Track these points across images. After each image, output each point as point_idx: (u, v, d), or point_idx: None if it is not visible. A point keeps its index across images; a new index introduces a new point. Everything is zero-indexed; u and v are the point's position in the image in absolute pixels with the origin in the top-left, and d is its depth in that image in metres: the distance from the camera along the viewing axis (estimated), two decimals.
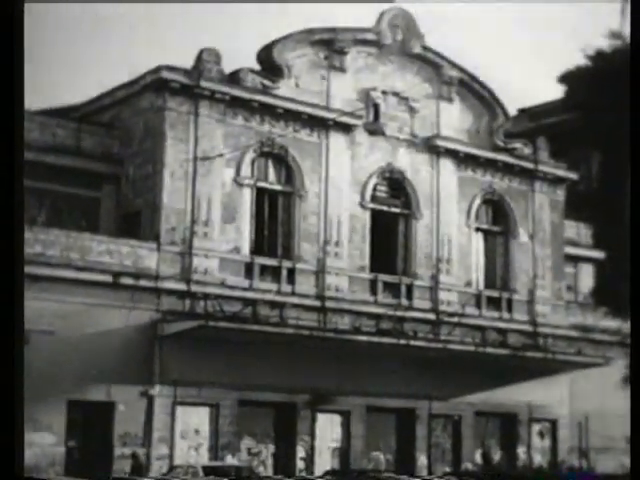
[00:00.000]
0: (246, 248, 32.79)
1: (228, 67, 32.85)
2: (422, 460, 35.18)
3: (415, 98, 37.12)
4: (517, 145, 39.70)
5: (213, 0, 46.73)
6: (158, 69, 31.33)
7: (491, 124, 39.20)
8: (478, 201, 38.46)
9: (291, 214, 33.99)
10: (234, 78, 32.89)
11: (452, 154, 37.68)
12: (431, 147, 37.24)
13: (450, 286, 37.00)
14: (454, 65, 38.24)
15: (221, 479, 25.90)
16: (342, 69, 35.44)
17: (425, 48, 37.58)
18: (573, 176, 40.96)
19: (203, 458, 30.67)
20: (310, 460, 32.79)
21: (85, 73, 57.21)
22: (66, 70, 57.95)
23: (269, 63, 33.92)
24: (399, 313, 35.04)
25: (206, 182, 31.84)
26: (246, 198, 32.99)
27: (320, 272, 33.92)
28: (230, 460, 30.90)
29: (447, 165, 37.61)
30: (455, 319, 36.24)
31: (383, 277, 35.45)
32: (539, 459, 38.26)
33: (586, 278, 43.02)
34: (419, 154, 37.06)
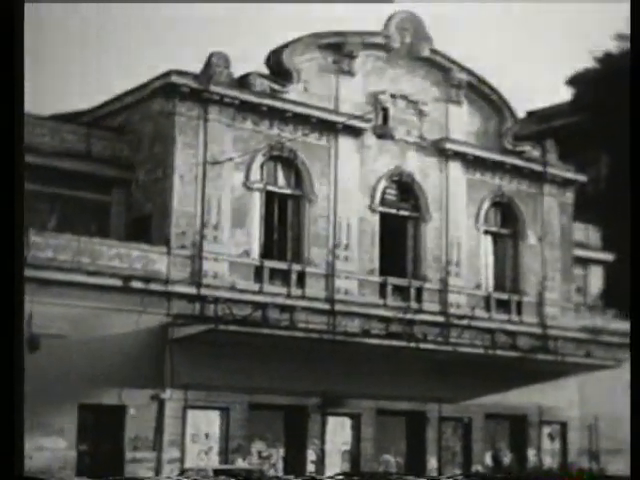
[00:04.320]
0: (256, 252, 32.86)
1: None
2: (432, 463, 35.21)
3: (424, 101, 37.18)
4: (526, 147, 39.70)
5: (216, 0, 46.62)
6: (168, 73, 31.43)
7: (500, 127, 39.23)
8: (487, 204, 38.49)
9: (300, 218, 34.06)
10: (243, 82, 32.98)
11: (461, 157, 37.71)
12: (440, 150, 37.28)
13: (459, 289, 37.03)
14: (463, 68, 38.29)
15: None
16: (351, 73, 35.48)
17: (434, 51, 37.63)
18: (582, 178, 41.05)
19: (214, 461, 30.70)
20: (321, 463, 32.81)
21: (90, 80, 57.35)
22: (73, 76, 58.18)
23: (278, 67, 34.00)
24: (408, 316, 35.08)
25: (216, 186, 31.93)
26: (255, 202, 33.06)
27: (330, 275, 33.97)
28: (241, 463, 30.94)
29: (456, 168, 37.65)
30: (464, 322, 36.26)
31: (392, 280, 35.49)
32: (549, 461, 38.27)
33: (595, 280, 43.09)
34: (428, 157, 37.09)
